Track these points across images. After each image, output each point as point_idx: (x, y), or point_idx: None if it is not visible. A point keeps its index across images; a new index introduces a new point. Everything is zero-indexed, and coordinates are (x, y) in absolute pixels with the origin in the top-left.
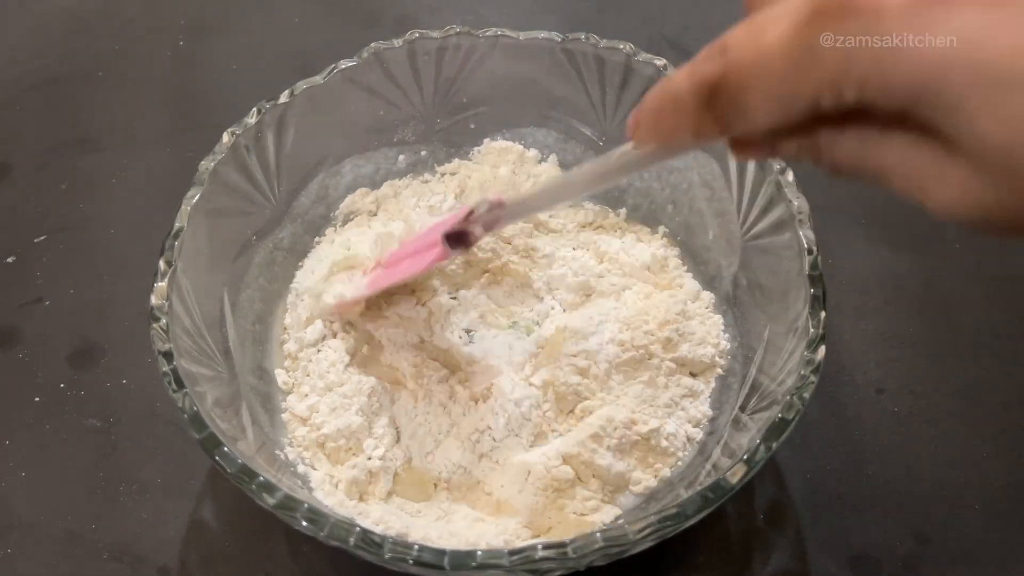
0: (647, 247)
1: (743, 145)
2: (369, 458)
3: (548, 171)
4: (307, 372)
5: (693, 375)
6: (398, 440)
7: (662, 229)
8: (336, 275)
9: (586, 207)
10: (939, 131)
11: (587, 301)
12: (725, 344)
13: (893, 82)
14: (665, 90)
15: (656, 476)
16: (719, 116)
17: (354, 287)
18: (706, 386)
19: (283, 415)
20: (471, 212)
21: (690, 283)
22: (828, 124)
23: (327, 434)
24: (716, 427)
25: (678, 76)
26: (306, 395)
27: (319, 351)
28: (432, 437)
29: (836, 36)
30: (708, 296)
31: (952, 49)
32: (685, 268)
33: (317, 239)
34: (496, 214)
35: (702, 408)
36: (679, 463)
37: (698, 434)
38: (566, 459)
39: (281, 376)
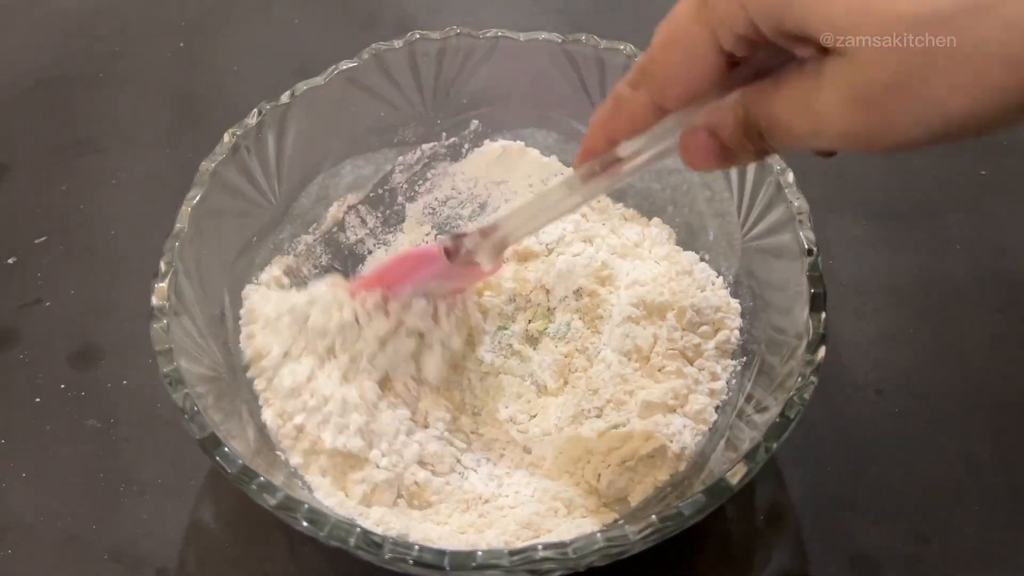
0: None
1: (690, 148)
2: (377, 467)
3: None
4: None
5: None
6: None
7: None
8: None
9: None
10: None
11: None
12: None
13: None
14: (609, 95)
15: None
16: (650, 92)
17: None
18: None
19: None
20: (459, 244)
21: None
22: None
23: (327, 450)
24: (717, 427)
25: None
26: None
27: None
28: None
29: None
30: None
31: None
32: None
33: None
34: (496, 236)
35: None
36: (682, 464)
37: (700, 433)
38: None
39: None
